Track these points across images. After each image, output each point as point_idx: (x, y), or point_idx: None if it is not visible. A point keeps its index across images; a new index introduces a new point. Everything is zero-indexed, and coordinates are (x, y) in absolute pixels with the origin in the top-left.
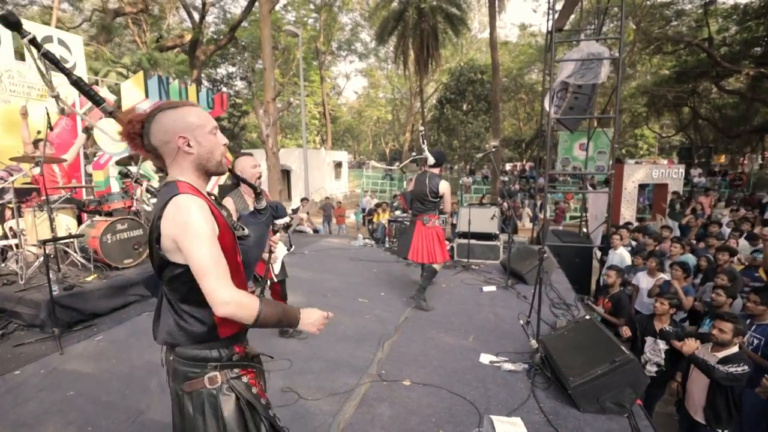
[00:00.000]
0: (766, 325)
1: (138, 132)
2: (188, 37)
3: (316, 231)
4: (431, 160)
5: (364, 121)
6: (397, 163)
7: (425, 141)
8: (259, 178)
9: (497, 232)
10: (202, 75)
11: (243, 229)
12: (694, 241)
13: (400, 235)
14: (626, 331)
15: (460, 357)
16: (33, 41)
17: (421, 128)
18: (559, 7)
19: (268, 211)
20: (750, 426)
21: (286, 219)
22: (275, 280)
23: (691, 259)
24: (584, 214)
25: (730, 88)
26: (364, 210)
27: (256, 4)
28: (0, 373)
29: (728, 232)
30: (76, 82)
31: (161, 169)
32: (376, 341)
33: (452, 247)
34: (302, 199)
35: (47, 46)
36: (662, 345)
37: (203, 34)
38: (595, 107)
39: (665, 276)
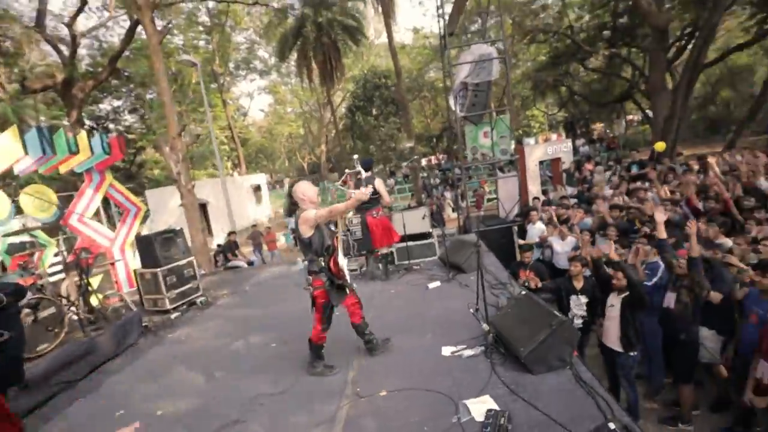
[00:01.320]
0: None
1: None
2: (60, 76)
3: (250, 263)
4: (363, 173)
5: (275, 138)
6: (338, 184)
7: (358, 164)
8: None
9: (430, 230)
10: (83, 114)
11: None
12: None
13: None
14: (531, 277)
15: (424, 355)
16: None
17: (355, 156)
18: (446, 10)
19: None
20: (650, 345)
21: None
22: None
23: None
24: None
25: (592, 66)
26: (294, 230)
27: (141, 32)
28: None
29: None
30: None
31: None
32: (345, 361)
33: (392, 252)
34: (230, 233)
35: None
36: (583, 299)
37: (77, 70)
38: (491, 99)
39: (572, 238)
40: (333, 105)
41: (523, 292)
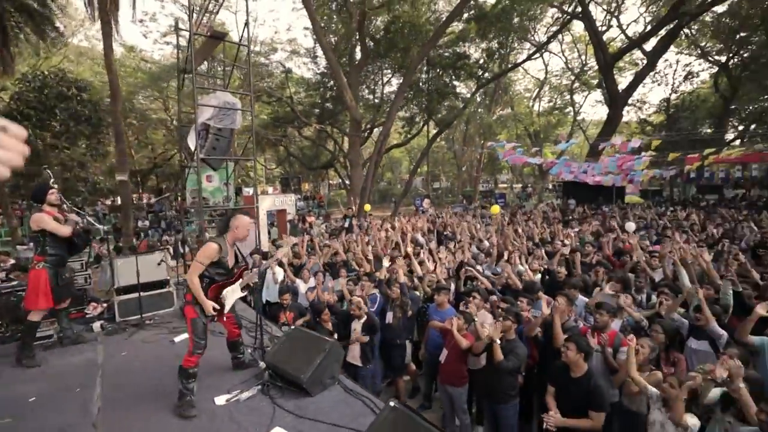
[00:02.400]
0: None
1: None
2: None
3: None
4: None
5: None
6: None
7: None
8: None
9: (168, 278)
10: None
11: None
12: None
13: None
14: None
15: (196, 412)
16: None
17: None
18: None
19: None
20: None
21: None
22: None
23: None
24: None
25: (306, 135)
26: None
27: None
28: None
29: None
30: None
31: None
32: None
33: (113, 305)
34: None
35: None
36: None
37: None
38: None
39: (313, 279)
40: None
41: (293, 326)
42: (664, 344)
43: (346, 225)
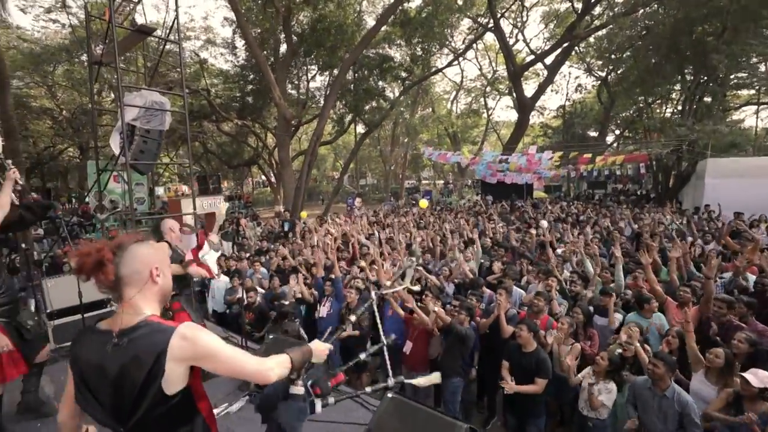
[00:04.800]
0: None
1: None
2: None
3: None
4: None
5: None
6: None
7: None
8: None
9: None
10: None
11: None
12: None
13: None
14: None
15: None
16: None
17: None
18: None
19: None
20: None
21: None
22: None
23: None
24: None
25: (226, 129)
26: None
27: None
28: None
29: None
30: None
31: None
32: None
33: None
34: None
35: None
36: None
37: None
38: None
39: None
40: None
41: (271, 336)
42: (582, 322)
43: (287, 229)
